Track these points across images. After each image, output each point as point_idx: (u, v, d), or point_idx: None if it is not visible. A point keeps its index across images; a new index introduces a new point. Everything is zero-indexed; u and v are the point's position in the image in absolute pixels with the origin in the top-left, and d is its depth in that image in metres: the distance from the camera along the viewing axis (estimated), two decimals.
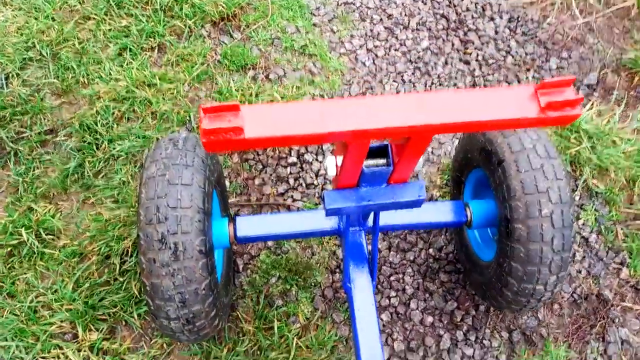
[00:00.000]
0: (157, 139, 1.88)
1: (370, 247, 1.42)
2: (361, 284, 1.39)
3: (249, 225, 1.43)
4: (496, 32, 2.24)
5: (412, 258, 1.78)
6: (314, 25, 2.20)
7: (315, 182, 1.87)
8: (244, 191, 1.83)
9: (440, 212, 1.50)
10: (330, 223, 1.44)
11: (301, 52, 2.12)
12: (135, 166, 1.84)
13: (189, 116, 1.95)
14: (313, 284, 1.69)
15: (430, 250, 1.80)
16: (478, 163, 1.46)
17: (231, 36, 2.14)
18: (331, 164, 1.12)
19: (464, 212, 1.49)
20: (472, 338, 1.67)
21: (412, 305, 1.71)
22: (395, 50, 2.18)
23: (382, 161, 1.08)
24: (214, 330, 1.32)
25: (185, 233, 1.16)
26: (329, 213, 1.13)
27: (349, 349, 1.61)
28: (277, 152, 1.90)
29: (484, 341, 1.68)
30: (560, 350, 1.65)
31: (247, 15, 2.21)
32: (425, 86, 2.11)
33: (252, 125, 0.85)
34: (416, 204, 1.14)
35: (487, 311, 1.72)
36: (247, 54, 2.09)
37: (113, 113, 1.92)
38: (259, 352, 1.55)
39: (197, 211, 1.19)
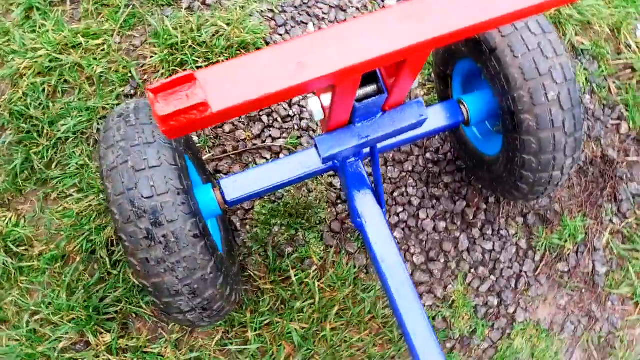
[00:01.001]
0: (105, 113, 1.66)
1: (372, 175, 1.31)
2: (372, 216, 1.29)
3: (237, 185, 1.30)
4: None
5: (410, 168, 1.68)
6: None
7: (291, 113, 1.71)
8: (216, 142, 1.67)
9: (435, 117, 1.37)
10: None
11: None
12: (89, 145, 1.64)
13: (130, 72, 1.72)
14: (318, 222, 1.60)
15: (428, 155, 1.70)
16: (465, 54, 1.31)
17: None
18: (316, 106, 0.96)
19: (459, 110, 1.37)
20: (489, 232, 1.64)
21: (422, 215, 1.65)
22: None
23: (371, 88, 0.94)
24: (233, 305, 1.24)
25: (172, 222, 1.03)
26: (326, 160, 1.00)
27: (371, 275, 1.56)
28: None
29: (501, 232, 1.64)
30: (576, 221, 1.64)
31: None
32: None
33: (217, 95, 0.69)
34: (418, 125, 1.01)
35: (497, 202, 1.67)
36: None
37: (43, 90, 1.68)
38: (283, 306, 1.50)
39: (176, 193, 1.05)
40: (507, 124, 1.22)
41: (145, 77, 1.73)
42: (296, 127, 1.69)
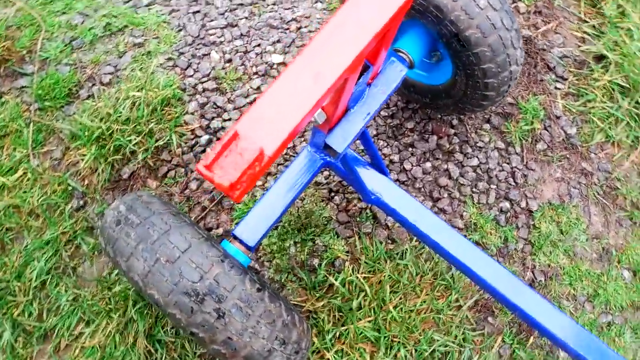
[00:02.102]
0: (68, 237, 1.55)
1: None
2: (383, 187, 1.33)
3: (251, 228, 1.27)
4: None
5: (374, 133, 1.73)
6: None
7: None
8: (191, 204, 1.62)
9: (385, 80, 1.42)
10: (313, 163, 1.32)
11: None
12: (70, 275, 1.52)
13: (69, 184, 1.61)
14: (325, 222, 1.60)
15: (382, 114, 1.76)
16: None
17: (24, 73, 1.72)
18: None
19: (401, 59, 1.42)
20: (469, 150, 1.73)
21: (407, 166, 1.70)
22: None
23: None
24: (309, 335, 1.23)
25: (233, 289, 1.00)
26: (341, 155, 1.01)
27: (398, 242, 1.60)
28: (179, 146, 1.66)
29: (478, 144, 1.74)
30: (531, 102, 1.77)
31: (19, 41, 1.77)
32: None
33: (265, 139, 0.68)
34: (401, 81, 1.05)
35: (460, 121, 1.76)
36: (61, 75, 1.71)
37: None
38: (341, 314, 1.50)
39: (220, 260, 1.02)
40: (454, 45, 1.29)
41: (87, 182, 1.62)
42: None
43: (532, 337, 1.55)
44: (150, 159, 1.64)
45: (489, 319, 1.57)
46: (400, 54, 1.41)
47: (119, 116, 1.62)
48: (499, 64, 1.29)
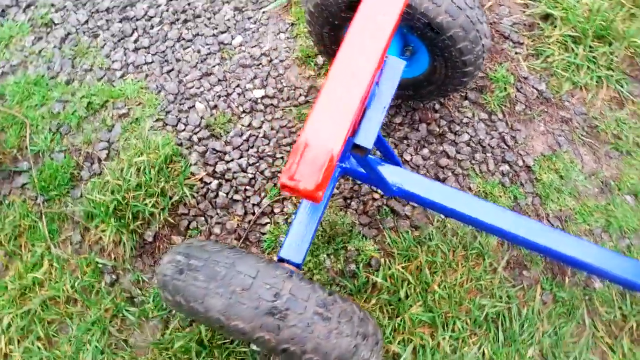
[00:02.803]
0: (113, 313, 1.58)
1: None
2: (402, 176, 1.44)
3: (295, 247, 1.34)
4: None
5: None
6: None
7: (250, 175, 1.77)
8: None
9: (389, 76, 1.54)
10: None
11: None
12: (120, 346, 1.55)
13: (97, 263, 1.64)
14: (350, 228, 1.69)
15: None
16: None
17: (21, 170, 1.77)
18: None
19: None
20: (457, 127, 1.87)
21: (407, 157, 1.82)
22: None
23: None
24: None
25: (309, 297, 1.07)
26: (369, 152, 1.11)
27: (422, 228, 1.70)
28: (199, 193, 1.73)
29: (463, 120, 1.88)
30: (499, 70, 1.93)
31: (6, 142, 1.81)
32: None
33: (330, 139, 0.78)
34: (402, 72, 1.17)
35: (441, 104, 1.90)
36: (57, 164, 1.76)
37: (39, 348, 1.55)
38: (391, 307, 1.58)
39: (288, 275, 1.09)
40: (429, 35, 1.43)
41: (113, 255, 1.66)
42: (262, 182, 1.76)
43: (567, 278, 1.67)
44: (169, 216, 1.70)
45: (524, 272, 1.68)
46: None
47: (129, 184, 1.68)
48: (471, 40, 1.43)
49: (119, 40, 2.03)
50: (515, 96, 1.92)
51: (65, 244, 1.70)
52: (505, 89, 1.91)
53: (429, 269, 1.63)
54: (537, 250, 1.40)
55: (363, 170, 1.43)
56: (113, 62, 1.99)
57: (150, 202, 1.67)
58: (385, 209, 1.73)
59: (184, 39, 2.03)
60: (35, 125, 1.87)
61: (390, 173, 1.43)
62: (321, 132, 0.77)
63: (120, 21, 2.07)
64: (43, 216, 1.72)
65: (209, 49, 2.01)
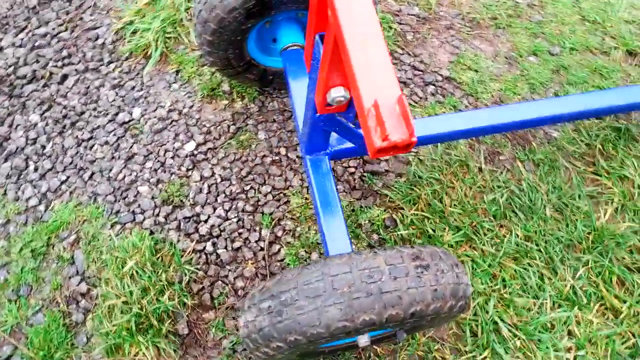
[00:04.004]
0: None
1: None
2: None
3: (338, 241, 1.39)
4: None
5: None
6: None
7: (260, 237, 1.76)
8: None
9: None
10: (320, 163, 1.48)
11: None
12: None
13: None
14: (352, 208, 1.76)
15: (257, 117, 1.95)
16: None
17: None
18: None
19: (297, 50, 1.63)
20: None
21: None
22: None
23: None
24: None
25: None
26: None
27: (405, 175, 1.82)
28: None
29: None
30: None
31: None
32: None
33: (389, 88, 0.84)
34: None
35: None
36: (42, 325, 1.60)
37: None
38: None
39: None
40: None
41: None
42: (249, 218, 1.76)
43: (533, 144, 1.91)
44: (188, 298, 1.63)
45: (501, 157, 1.88)
46: (295, 46, 1.63)
47: (134, 294, 1.58)
48: None
49: (18, 178, 1.87)
50: (401, 29, 2.12)
51: None
52: (390, 27, 2.10)
53: (434, 198, 1.76)
54: (535, 124, 1.59)
55: (349, 145, 1.50)
56: (27, 200, 1.82)
57: (163, 295, 1.59)
58: (367, 175, 1.83)
59: (83, 140, 1.92)
60: None
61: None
62: (378, 88, 0.83)
63: (6, 159, 1.90)
64: None
65: (114, 135, 1.93)
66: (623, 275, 1.70)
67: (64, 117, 1.97)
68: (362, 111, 0.84)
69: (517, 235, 1.73)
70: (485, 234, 1.72)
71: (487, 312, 1.61)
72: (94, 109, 1.98)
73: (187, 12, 2.09)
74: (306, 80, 1.61)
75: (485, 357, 1.56)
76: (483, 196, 1.79)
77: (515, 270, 1.68)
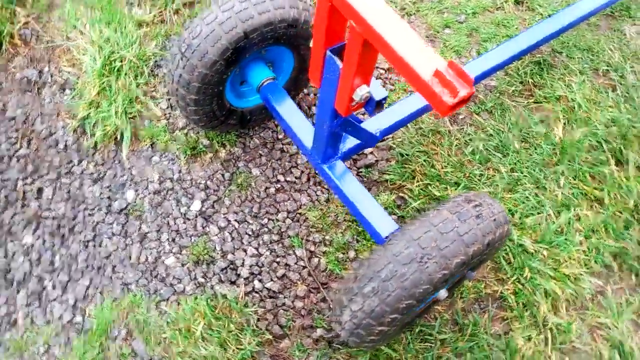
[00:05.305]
0: None
1: None
2: (379, 119, 1.76)
3: (382, 221, 1.58)
4: None
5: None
6: None
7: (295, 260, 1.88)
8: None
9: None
10: (322, 168, 1.67)
11: None
12: None
13: None
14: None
15: (244, 155, 2.12)
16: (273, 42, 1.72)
17: None
18: None
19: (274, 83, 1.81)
20: None
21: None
22: None
23: None
24: None
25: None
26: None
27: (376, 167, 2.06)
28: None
29: None
30: None
31: None
32: None
33: (434, 55, 1.06)
34: None
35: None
36: None
37: None
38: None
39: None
40: (289, 33, 1.73)
41: None
42: (280, 247, 1.89)
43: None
44: (262, 336, 1.72)
45: (460, 117, 2.19)
46: (269, 80, 1.81)
47: (214, 352, 1.64)
48: (307, 20, 1.79)
49: (40, 302, 1.84)
50: None
51: None
52: None
53: (427, 167, 2.01)
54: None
55: (356, 142, 1.71)
56: (60, 318, 1.81)
57: (243, 344, 1.67)
58: (362, 170, 2.04)
59: (88, 241, 1.95)
60: None
61: (369, 124, 1.74)
62: (428, 62, 1.04)
63: (18, 290, 1.86)
64: None
65: (118, 224, 1.97)
66: (592, 170, 2.06)
67: (58, 227, 1.98)
68: (421, 84, 1.05)
69: (504, 172, 2.03)
70: (479, 179, 2.00)
71: (512, 240, 1.88)
72: (85, 209, 2.01)
73: (139, 87, 2.19)
74: (292, 103, 1.80)
75: (526, 275, 1.82)
76: (463, 150, 2.07)
77: (515, 199, 1.98)
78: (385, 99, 1.39)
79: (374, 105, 1.40)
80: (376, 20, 1.11)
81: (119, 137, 2.12)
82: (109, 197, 2.03)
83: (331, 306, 1.79)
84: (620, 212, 1.99)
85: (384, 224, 1.58)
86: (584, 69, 2.34)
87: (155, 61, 2.29)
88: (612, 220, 1.97)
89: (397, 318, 1.33)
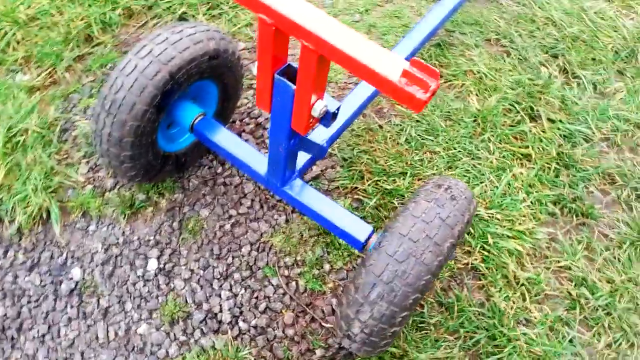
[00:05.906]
0: None
1: None
2: (320, 131, 1.78)
3: (359, 229, 1.61)
4: None
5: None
6: None
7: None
8: None
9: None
10: (279, 191, 1.67)
11: None
12: None
13: None
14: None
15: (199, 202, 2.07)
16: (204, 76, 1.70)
17: None
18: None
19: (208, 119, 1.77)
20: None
21: None
22: None
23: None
24: None
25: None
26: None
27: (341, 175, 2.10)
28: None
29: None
30: None
31: None
32: None
33: (397, 60, 1.11)
34: None
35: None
36: None
37: None
38: (420, 179, 1.99)
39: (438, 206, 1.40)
40: (212, 64, 1.70)
41: None
42: (252, 284, 1.85)
43: None
44: None
45: (384, 111, 2.28)
46: (200, 116, 1.77)
47: None
48: (233, 50, 1.77)
49: None
50: None
51: None
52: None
53: (371, 164, 2.07)
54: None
55: (308, 156, 1.72)
56: None
57: None
58: (312, 184, 2.05)
59: (44, 334, 1.76)
60: None
61: (314, 136, 1.75)
62: (391, 63, 1.08)
63: None
64: None
65: (72, 306, 1.81)
66: (513, 131, 2.24)
67: (3, 330, 1.77)
68: (392, 87, 1.08)
69: (441, 151, 2.15)
70: (421, 164, 2.10)
71: None
72: (29, 302, 1.82)
73: (51, 157, 2.02)
74: (232, 135, 1.77)
75: (489, 241, 1.94)
76: (398, 141, 2.16)
77: (458, 175, 2.10)
78: (339, 108, 1.42)
79: (330, 118, 1.42)
80: (330, 35, 1.14)
81: (44, 215, 1.94)
82: (52, 282, 1.85)
83: (333, 326, 1.78)
84: (548, 163, 2.19)
85: (359, 228, 1.61)
86: (478, 42, 2.54)
87: (61, 126, 2.13)
88: (543, 172, 2.16)
89: (407, 315, 1.36)
